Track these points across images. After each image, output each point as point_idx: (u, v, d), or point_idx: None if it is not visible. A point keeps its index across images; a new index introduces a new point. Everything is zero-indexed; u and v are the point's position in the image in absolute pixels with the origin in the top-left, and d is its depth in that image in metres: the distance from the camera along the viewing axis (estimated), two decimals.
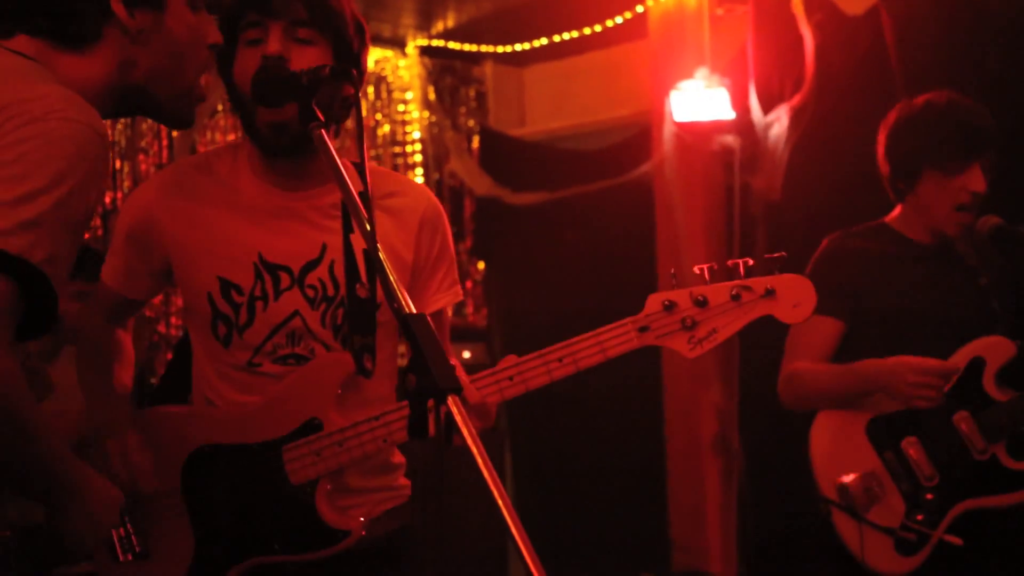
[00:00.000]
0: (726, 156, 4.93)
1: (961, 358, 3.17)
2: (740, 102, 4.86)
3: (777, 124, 4.74)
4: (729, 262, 2.19)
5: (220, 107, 5.24)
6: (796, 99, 4.68)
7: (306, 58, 2.19)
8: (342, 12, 2.30)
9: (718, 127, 4.89)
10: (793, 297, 2.17)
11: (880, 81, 4.38)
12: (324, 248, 2.36)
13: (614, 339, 2.23)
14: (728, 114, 4.86)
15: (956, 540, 3.09)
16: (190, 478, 2.42)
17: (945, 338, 3.19)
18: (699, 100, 4.85)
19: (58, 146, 1.64)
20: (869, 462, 3.20)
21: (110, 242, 2.52)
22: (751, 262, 2.17)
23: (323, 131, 1.90)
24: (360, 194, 1.84)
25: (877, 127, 3.88)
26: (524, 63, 6.05)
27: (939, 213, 3.22)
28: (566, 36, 5.57)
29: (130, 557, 2.45)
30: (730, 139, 4.90)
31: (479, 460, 1.58)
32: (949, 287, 3.28)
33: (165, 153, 5.15)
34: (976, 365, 3.18)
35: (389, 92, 5.90)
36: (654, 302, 2.21)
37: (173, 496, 2.43)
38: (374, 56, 5.71)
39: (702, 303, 2.17)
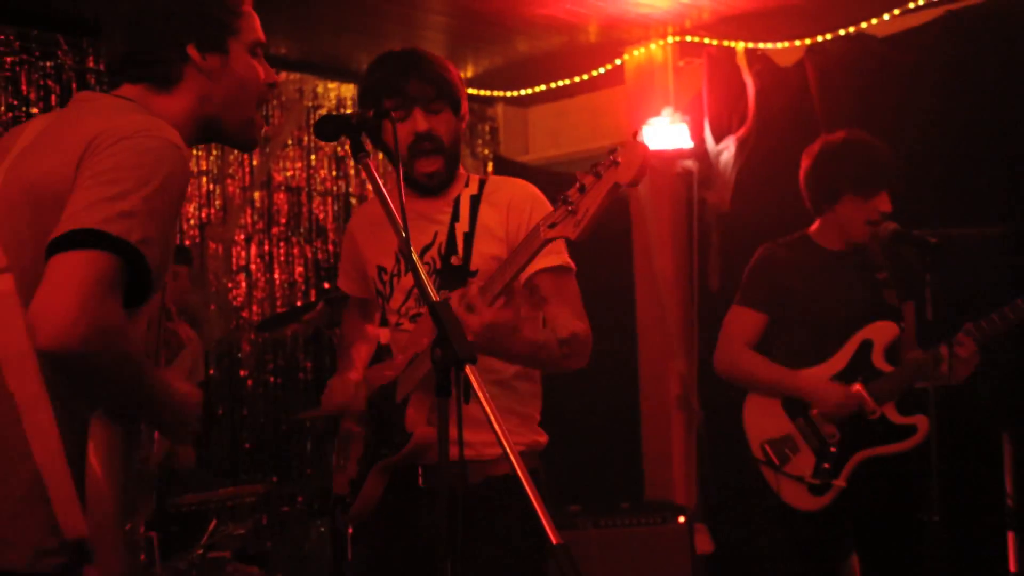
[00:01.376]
0: (687, 177, 5.00)
1: (855, 340, 3.25)
2: (697, 134, 4.94)
3: (726, 151, 4.82)
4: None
5: (290, 141, 5.36)
6: (741, 131, 4.75)
7: (441, 124, 2.41)
8: (456, 82, 2.46)
9: (680, 154, 4.96)
10: (628, 159, 1.86)
11: (806, 118, 4.44)
12: (435, 235, 2.46)
13: (534, 239, 2.06)
14: (688, 143, 4.93)
15: (840, 483, 3.19)
16: (369, 406, 2.52)
17: (848, 325, 3.27)
18: (665, 133, 4.91)
19: (143, 155, 1.67)
20: (785, 427, 3.31)
21: (341, 256, 2.74)
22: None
23: (368, 160, 1.91)
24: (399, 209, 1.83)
25: (800, 157, 4.04)
26: (528, 104, 6.18)
27: (855, 228, 3.27)
28: (561, 83, 5.68)
29: (338, 465, 2.59)
30: (689, 163, 4.97)
31: (491, 417, 1.60)
32: (853, 285, 3.32)
33: (248, 178, 5.21)
34: (868, 344, 3.25)
35: None
36: (558, 200, 1.99)
37: (360, 423, 2.54)
38: None
39: (581, 189, 1.92)
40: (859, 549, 3.38)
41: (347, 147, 2.11)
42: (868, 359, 3.25)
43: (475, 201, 2.48)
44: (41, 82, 4.68)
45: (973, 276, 3.28)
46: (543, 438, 2.51)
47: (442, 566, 1.67)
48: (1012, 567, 3.48)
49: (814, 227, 3.42)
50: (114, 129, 1.69)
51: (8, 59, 4.60)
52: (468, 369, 1.62)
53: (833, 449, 3.24)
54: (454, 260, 2.43)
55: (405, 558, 2.43)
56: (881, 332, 3.26)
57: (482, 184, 2.54)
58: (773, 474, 3.30)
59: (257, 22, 1.97)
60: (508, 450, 1.55)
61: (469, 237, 2.44)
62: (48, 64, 4.69)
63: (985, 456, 3.62)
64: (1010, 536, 3.50)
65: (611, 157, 1.89)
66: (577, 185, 1.94)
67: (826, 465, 3.23)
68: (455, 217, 2.47)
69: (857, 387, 3.21)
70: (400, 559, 2.45)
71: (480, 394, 1.61)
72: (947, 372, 3.10)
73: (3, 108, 4.57)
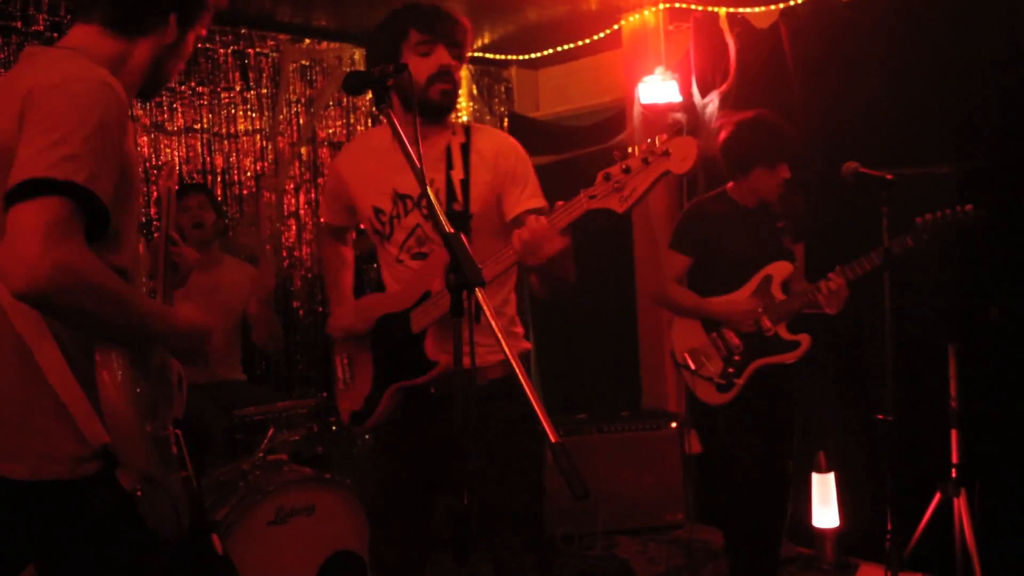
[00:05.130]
0: (676, 127, 4.88)
1: (759, 276, 3.51)
2: (685, 89, 4.87)
3: (711, 104, 4.75)
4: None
5: (331, 103, 5.33)
6: (724, 86, 4.67)
7: (456, 71, 2.45)
8: (470, 45, 2.52)
9: (671, 107, 4.89)
10: (681, 153, 1.95)
11: (780, 73, 4.42)
12: (432, 182, 2.40)
13: (576, 204, 2.10)
14: (677, 98, 4.88)
15: (741, 382, 3.46)
16: (375, 334, 2.53)
17: (755, 264, 3.51)
18: (658, 89, 4.87)
19: (76, 99, 1.58)
20: (702, 340, 3.58)
21: (323, 193, 2.66)
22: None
23: (390, 111, 1.88)
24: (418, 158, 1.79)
25: (779, 106, 4.01)
26: (538, 66, 6.10)
27: (766, 191, 3.50)
28: (566, 47, 5.61)
29: (344, 385, 2.65)
30: (679, 115, 4.90)
31: (499, 335, 1.58)
32: (760, 233, 3.53)
33: (296, 135, 5.19)
34: (768, 278, 3.50)
35: None
36: (599, 177, 2.06)
37: (367, 347, 2.56)
38: None
39: (626, 171, 2.01)
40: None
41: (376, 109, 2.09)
42: (768, 289, 3.51)
43: (464, 150, 2.49)
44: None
45: (926, 210, 3.25)
46: (528, 345, 2.64)
47: (463, 454, 1.68)
48: (955, 459, 3.51)
49: (730, 186, 3.61)
50: (45, 80, 1.60)
51: None
52: (478, 291, 1.61)
53: (737, 357, 3.49)
54: (455, 206, 2.44)
55: (423, 455, 2.50)
56: (779, 269, 3.51)
57: (467, 132, 2.53)
58: (691, 376, 3.58)
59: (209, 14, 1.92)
60: (511, 358, 1.54)
61: (465, 184, 2.45)
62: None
63: (933, 365, 3.62)
64: (953, 433, 3.53)
65: (661, 148, 1.97)
66: (622, 166, 2.01)
67: (731, 369, 3.50)
68: (449, 165, 2.47)
69: (756, 302, 3.48)
70: (418, 457, 2.53)
71: (488, 312, 1.61)
72: (823, 302, 3.40)
73: None
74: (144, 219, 4.72)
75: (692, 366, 3.56)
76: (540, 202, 2.49)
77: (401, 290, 2.49)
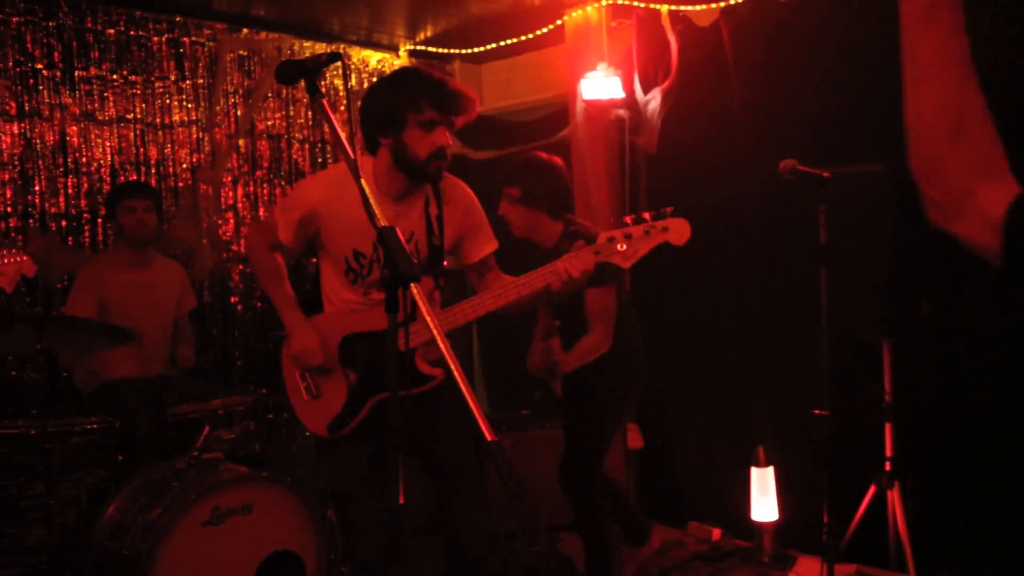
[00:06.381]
0: (619, 123, 4.93)
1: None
2: (628, 86, 4.88)
3: (653, 101, 4.77)
4: (644, 214, 2.48)
5: (270, 94, 5.25)
6: (666, 84, 4.70)
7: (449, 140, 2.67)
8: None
9: (613, 103, 4.90)
10: (678, 230, 2.44)
11: (720, 71, 4.47)
12: (412, 234, 2.69)
13: (582, 258, 2.50)
14: (620, 94, 4.87)
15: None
16: (343, 351, 2.71)
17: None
18: (600, 85, 4.85)
19: None
20: None
21: (283, 213, 2.73)
22: (662, 210, 2.49)
23: (324, 100, 1.87)
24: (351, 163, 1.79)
25: (719, 103, 4.02)
26: (481, 61, 6.05)
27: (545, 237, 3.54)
28: (510, 41, 5.57)
29: (309, 398, 2.75)
30: (622, 112, 4.91)
31: (435, 331, 1.59)
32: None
33: (233, 127, 5.10)
34: None
35: None
36: (603, 238, 2.48)
37: (334, 363, 2.72)
38: (376, 56, 5.75)
39: (629, 237, 2.46)
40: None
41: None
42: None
43: (438, 196, 2.76)
44: (44, 40, 4.53)
45: (859, 207, 3.31)
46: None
47: (395, 455, 1.70)
48: (888, 452, 3.58)
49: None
50: None
51: (14, 19, 4.44)
52: (412, 287, 1.60)
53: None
54: (434, 240, 2.71)
55: (373, 456, 2.72)
56: None
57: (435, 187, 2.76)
58: None
59: None
60: (447, 355, 1.55)
61: (440, 219, 2.74)
62: (51, 24, 4.54)
63: (868, 361, 3.68)
64: (887, 427, 3.59)
65: (660, 224, 2.46)
66: (624, 232, 2.47)
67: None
68: (427, 203, 2.72)
69: None
70: (369, 456, 2.73)
71: (423, 307, 1.61)
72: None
73: (11, 63, 4.43)
74: (75, 211, 4.58)
75: None
76: (496, 244, 2.89)
77: (371, 311, 2.70)
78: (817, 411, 3.13)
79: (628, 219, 2.49)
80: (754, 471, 4.26)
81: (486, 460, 1.43)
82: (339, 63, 2.02)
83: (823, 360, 3.09)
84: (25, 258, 2.61)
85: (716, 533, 4.51)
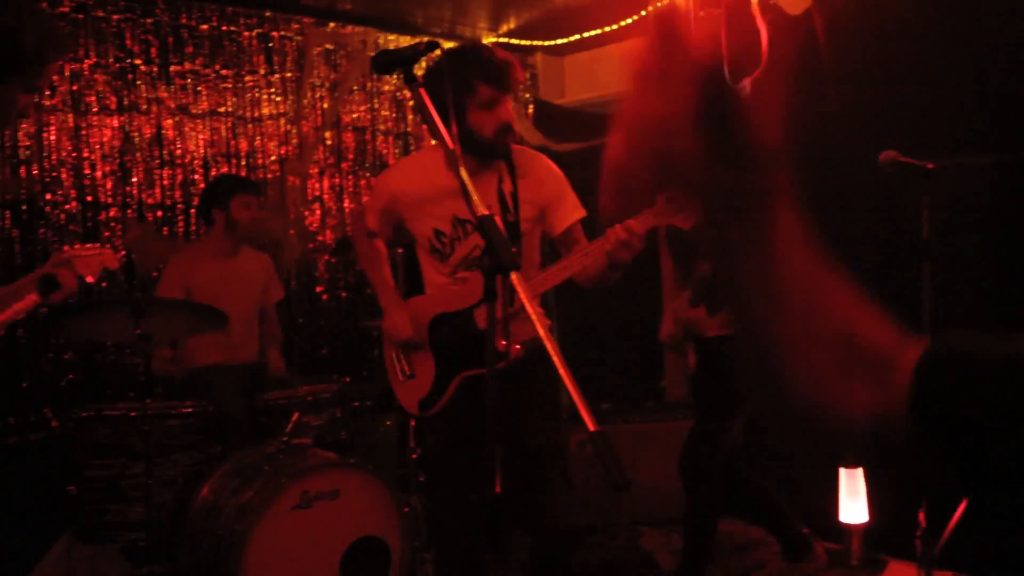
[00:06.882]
0: None
1: None
2: None
3: (742, 92, 4.70)
4: None
5: (355, 87, 5.33)
6: (755, 75, 4.61)
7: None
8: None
9: None
10: None
11: (811, 60, 4.31)
12: (489, 207, 2.68)
13: (642, 218, 2.44)
14: None
15: None
16: (432, 331, 2.80)
17: None
18: None
19: None
20: None
21: (371, 202, 2.92)
22: None
23: (422, 89, 1.89)
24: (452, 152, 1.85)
25: (810, 93, 3.92)
26: (564, 53, 6.03)
27: None
28: (593, 33, 5.54)
29: (404, 378, 2.88)
30: None
31: (534, 317, 1.60)
32: None
33: (320, 119, 5.18)
34: None
35: None
36: (661, 199, 2.34)
37: (424, 342, 2.82)
38: None
39: (669, 199, 2.34)
40: None
41: (406, 91, 2.20)
42: None
43: (511, 171, 2.74)
44: (142, 37, 4.67)
45: (964, 200, 3.19)
46: (548, 321, 2.82)
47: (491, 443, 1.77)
48: None
49: None
50: None
51: (114, 17, 4.59)
52: (512, 275, 1.62)
53: None
54: (508, 217, 2.70)
55: (472, 437, 2.66)
56: None
57: (509, 156, 2.77)
58: None
59: None
60: (545, 340, 1.58)
61: (515, 196, 2.73)
62: (148, 21, 4.67)
63: None
64: None
65: None
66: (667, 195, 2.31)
67: None
68: (500, 180, 2.73)
69: None
70: (468, 437, 2.75)
71: (523, 295, 1.61)
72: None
73: (112, 59, 4.58)
74: (170, 202, 4.72)
75: None
76: (582, 212, 2.79)
77: (458, 291, 2.75)
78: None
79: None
80: (843, 471, 4.14)
81: (582, 450, 1.41)
82: (436, 52, 2.03)
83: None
84: (108, 250, 2.65)
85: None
